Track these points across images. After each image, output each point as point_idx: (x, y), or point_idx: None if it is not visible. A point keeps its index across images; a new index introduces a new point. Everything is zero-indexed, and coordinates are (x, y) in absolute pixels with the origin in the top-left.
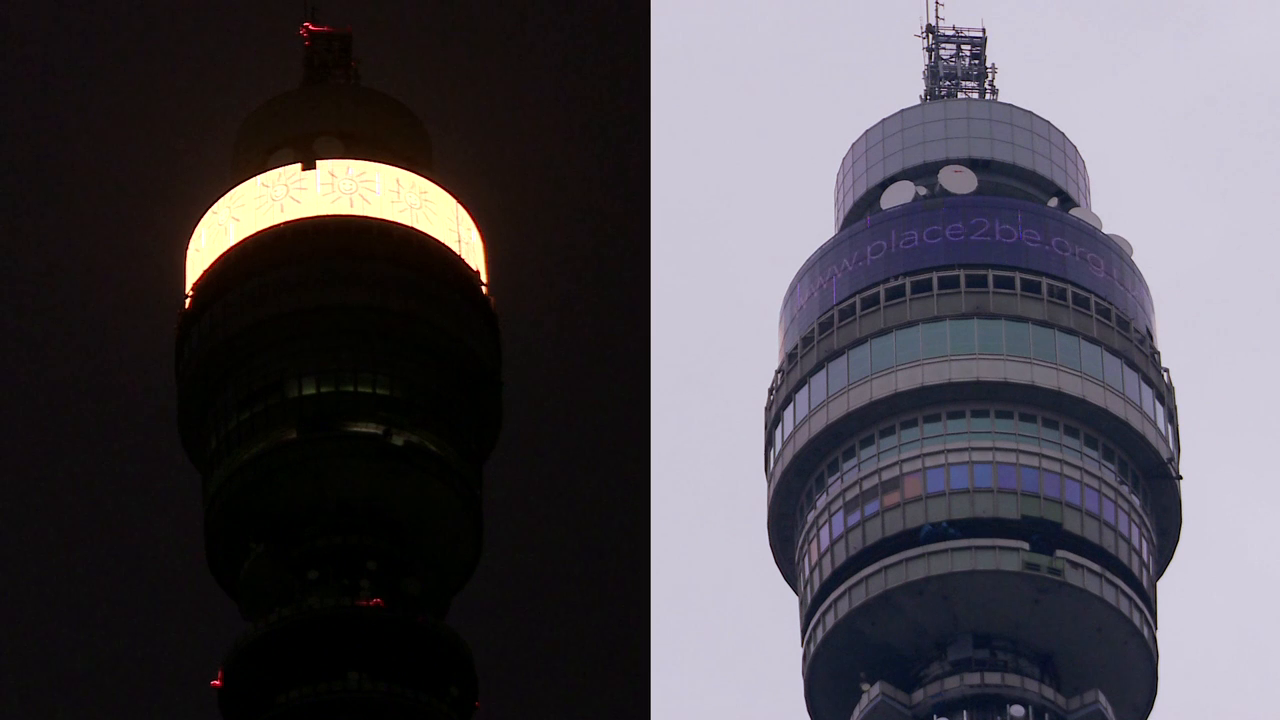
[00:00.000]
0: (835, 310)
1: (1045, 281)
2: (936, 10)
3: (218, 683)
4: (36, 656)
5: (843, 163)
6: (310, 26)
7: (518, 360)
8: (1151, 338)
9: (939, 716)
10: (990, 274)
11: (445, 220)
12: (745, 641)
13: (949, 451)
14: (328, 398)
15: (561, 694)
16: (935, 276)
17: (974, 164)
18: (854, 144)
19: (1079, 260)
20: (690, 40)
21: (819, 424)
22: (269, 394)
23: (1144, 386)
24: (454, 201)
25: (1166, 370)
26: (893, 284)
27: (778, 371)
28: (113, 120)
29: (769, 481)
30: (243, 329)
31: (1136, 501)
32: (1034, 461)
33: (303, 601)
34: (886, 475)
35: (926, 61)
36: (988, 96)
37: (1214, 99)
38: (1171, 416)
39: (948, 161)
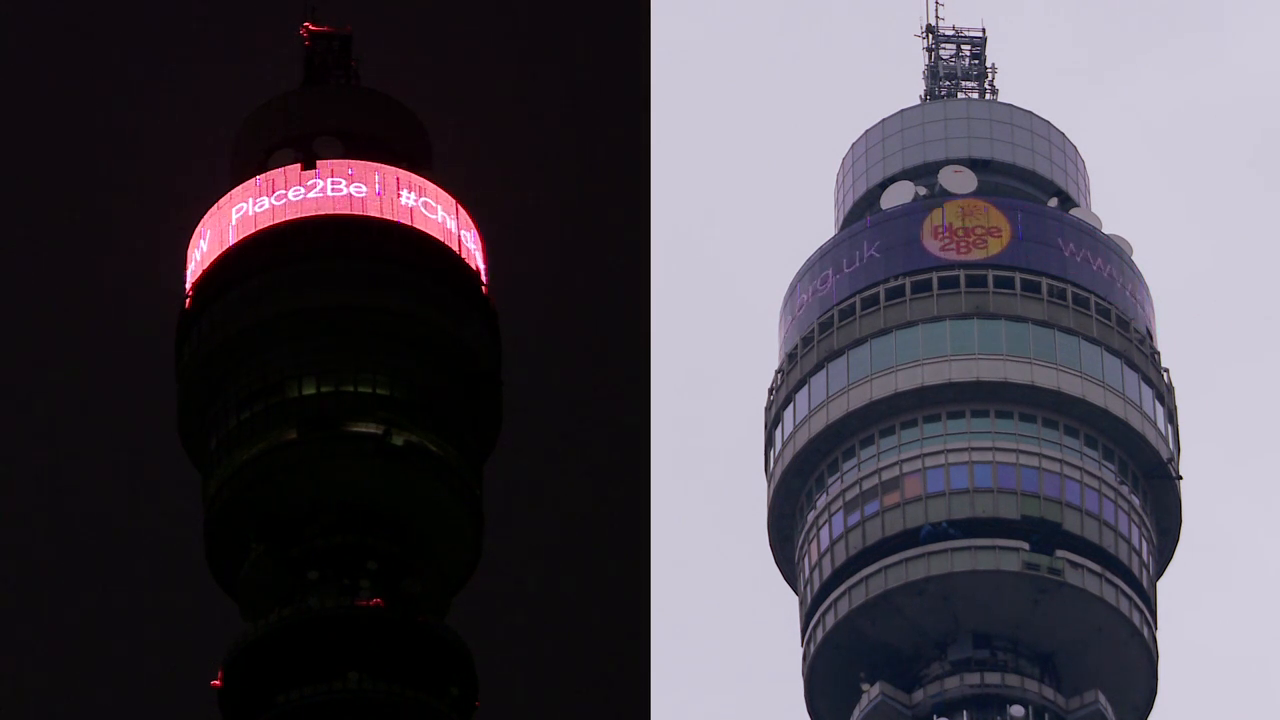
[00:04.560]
0: (835, 310)
1: (1045, 281)
2: (936, 10)
3: (218, 683)
4: (36, 656)
5: (843, 163)
6: (310, 26)
7: (518, 360)
8: (1151, 338)
9: (939, 716)
10: (990, 274)
11: (445, 220)
12: (745, 641)
13: (949, 451)
14: (328, 398)
15: (561, 694)
16: (935, 276)
17: (974, 164)
18: (854, 144)
19: (1079, 260)
20: (690, 40)
21: (819, 424)
22: (269, 394)
23: (1144, 386)
24: (454, 201)
25: (1166, 370)
26: (893, 284)
27: (778, 371)
28: (113, 120)
29: (769, 481)
30: (243, 329)
31: (1136, 501)
32: (1034, 461)
33: (303, 601)
34: (886, 475)
35: (926, 61)
36: (988, 96)
37: (1214, 99)
38: (1171, 416)
39: (948, 161)
